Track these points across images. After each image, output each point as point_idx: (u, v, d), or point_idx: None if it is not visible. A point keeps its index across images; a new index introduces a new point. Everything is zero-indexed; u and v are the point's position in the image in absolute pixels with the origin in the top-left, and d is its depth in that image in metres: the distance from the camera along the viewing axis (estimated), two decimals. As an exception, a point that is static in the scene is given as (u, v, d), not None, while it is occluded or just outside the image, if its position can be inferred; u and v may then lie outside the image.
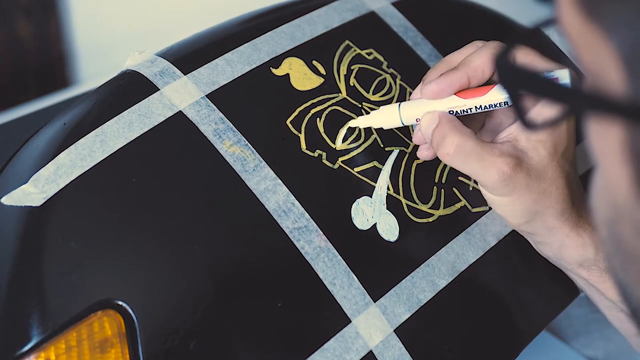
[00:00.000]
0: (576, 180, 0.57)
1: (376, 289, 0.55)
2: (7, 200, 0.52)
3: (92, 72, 1.19)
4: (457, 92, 0.55)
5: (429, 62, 0.65)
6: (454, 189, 0.60)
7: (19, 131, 0.75)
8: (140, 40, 1.13)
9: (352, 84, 0.62)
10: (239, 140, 0.56)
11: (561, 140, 0.55)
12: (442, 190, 0.60)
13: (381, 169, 0.59)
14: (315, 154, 0.58)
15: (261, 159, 0.56)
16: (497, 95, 0.55)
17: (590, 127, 0.33)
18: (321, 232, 0.55)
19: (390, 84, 0.63)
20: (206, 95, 0.57)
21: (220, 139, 0.56)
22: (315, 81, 0.61)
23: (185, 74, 0.58)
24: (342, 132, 0.59)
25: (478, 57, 0.55)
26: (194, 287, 0.51)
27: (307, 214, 0.55)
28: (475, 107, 0.55)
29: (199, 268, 0.52)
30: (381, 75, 0.63)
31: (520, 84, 0.36)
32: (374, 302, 0.54)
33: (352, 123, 0.59)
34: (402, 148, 0.60)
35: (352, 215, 0.57)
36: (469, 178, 0.61)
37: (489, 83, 0.56)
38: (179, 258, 0.52)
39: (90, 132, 0.54)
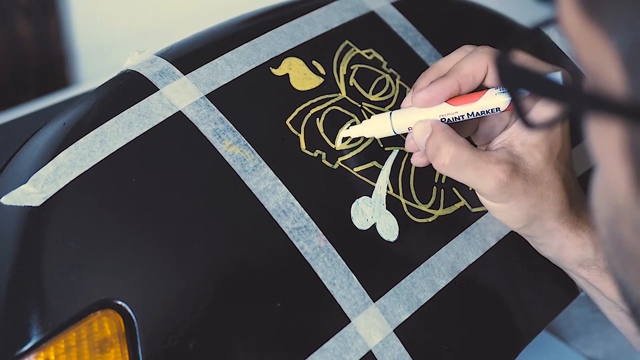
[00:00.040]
0: (574, 181, 0.57)
1: (376, 289, 0.55)
2: (7, 200, 0.52)
3: (92, 72, 1.19)
4: (448, 99, 0.55)
5: (429, 62, 0.65)
6: (453, 188, 0.60)
7: (19, 131, 0.75)
8: (140, 40, 1.13)
9: (351, 84, 0.62)
10: (238, 140, 0.56)
11: (556, 143, 0.55)
12: (442, 190, 0.60)
13: (381, 169, 0.59)
14: (315, 154, 0.58)
15: (261, 159, 0.56)
16: (489, 102, 0.54)
17: (590, 127, 0.33)
18: (321, 232, 0.55)
19: (390, 84, 0.63)
20: (206, 95, 0.57)
21: (220, 139, 0.56)
22: (314, 81, 0.61)
23: (184, 74, 0.58)
24: (342, 132, 0.59)
25: (468, 63, 0.55)
26: (194, 287, 0.51)
27: (306, 214, 0.55)
28: (467, 114, 0.54)
29: (199, 268, 0.52)
30: (381, 75, 0.63)
31: (521, 84, 0.36)
32: (374, 302, 0.54)
33: (344, 133, 0.59)
34: (402, 148, 0.60)
35: (352, 215, 0.56)
36: (468, 178, 0.61)
37: (480, 89, 0.55)
38: (179, 258, 0.52)
39: (89, 132, 0.54)
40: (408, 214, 0.58)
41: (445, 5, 0.71)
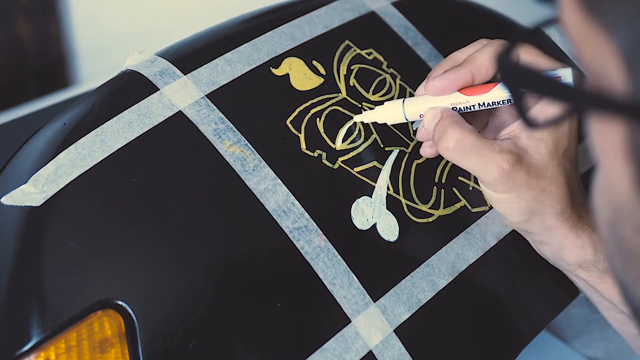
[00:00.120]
0: (577, 180, 0.57)
1: (376, 289, 0.55)
2: (7, 200, 0.52)
3: (92, 72, 1.19)
4: (461, 89, 0.56)
5: (429, 62, 0.65)
6: (453, 188, 0.60)
7: (19, 131, 0.75)
8: (140, 40, 1.13)
9: (352, 84, 0.62)
10: (238, 140, 0.56)
11: (562, 140, 0.55)
12: (442, 190, 0.60)
13: (381, 169, 0.59)
14: (315, 154, 0.58)
15: (261, 158, 0.56)
16: (500, 93, 0.55)
17: (592, 126, 0.33)
18: (321, 232, 0.55)
19: (390, 84, 0.63)
20: (206, 95, 0.57)
21: (220, 138, 0.56)
22: (315, 81, 0.61)
23: (185, 74, 0.58)
24: (342, 132, 0.59)
25: (482, 54, 0.55)
26: (194, 287, 0.51)
27: (306, 213, 0.55)
28: (478, 104, 0.55)
29: (199, 268, 0.52)
30: (381, 75, 0.63)
31: (522, 83, 0.36)
32: (374, 302, 0.54)
33: (357, 118, 0.59)
34: (402, 148, 0.60)
35: (352, 215, 0.56)
36: (468, 178, 0.61)
37: (493, 81, 0.56)
38: (179, 258, 0.52)
39: (90, 132, 0.54)
40: (408, 214, 0.58)
41: (446, 5, 0.71)
